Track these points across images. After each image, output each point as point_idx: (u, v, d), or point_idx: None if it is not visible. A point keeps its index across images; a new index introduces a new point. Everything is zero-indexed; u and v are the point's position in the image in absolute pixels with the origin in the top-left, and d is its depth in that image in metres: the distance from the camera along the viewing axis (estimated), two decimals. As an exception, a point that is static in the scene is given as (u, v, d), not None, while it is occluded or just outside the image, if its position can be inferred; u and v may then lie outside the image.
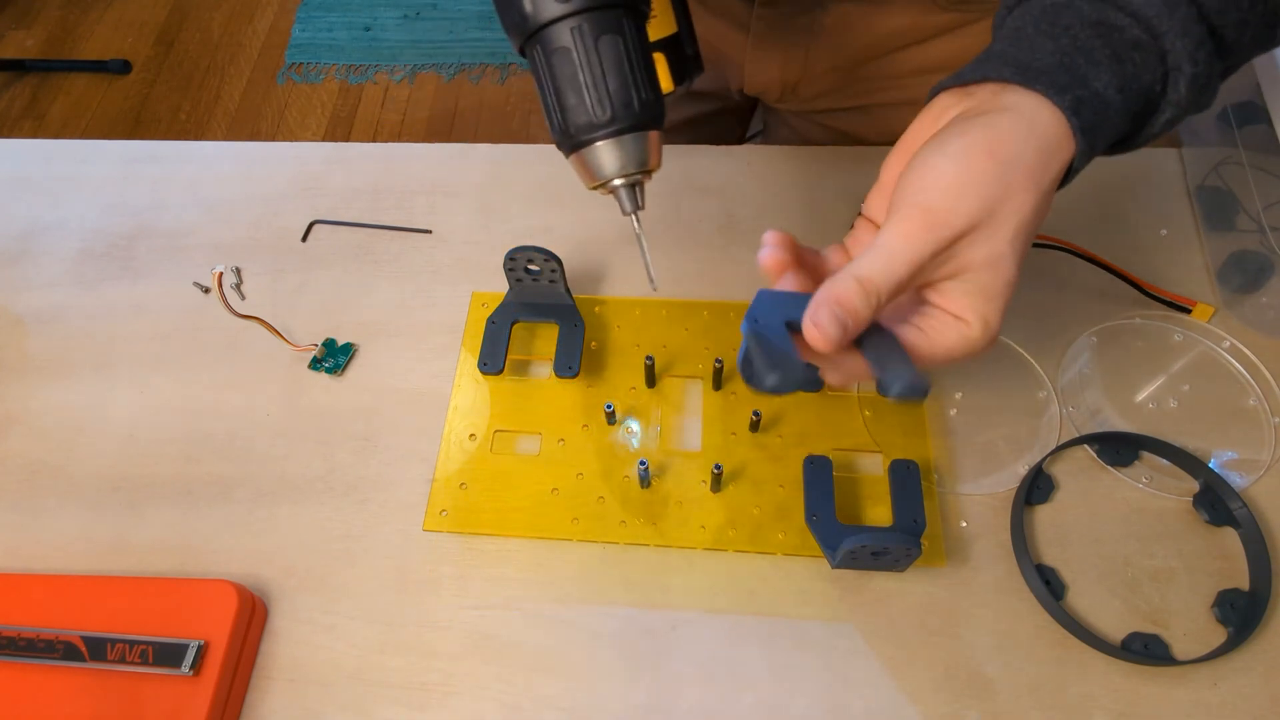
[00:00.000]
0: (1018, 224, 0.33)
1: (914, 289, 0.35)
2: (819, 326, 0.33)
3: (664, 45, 0.39)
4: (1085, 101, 0.33)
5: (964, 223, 0.33)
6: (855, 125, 0.69)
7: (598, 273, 0.58)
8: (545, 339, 0.55)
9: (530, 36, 0.33)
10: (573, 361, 0.53)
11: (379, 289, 0.59)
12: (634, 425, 0.51)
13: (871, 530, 0.46)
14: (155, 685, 0.43)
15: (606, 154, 0.34)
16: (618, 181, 0.35)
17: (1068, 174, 0.35)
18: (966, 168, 0.33)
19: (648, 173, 0.35)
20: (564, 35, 0.33)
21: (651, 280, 0.37)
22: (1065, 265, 0.54)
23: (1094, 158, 0.35)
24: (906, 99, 0.35)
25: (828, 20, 0.60)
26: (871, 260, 0.33)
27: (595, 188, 0.36)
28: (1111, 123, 0.34)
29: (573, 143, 0.35)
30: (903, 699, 0.43)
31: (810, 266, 0.37)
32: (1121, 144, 0.38)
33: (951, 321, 0.34)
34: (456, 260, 0.60)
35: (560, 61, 0.33)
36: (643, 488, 0.49)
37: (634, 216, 0.36)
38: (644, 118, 0.34)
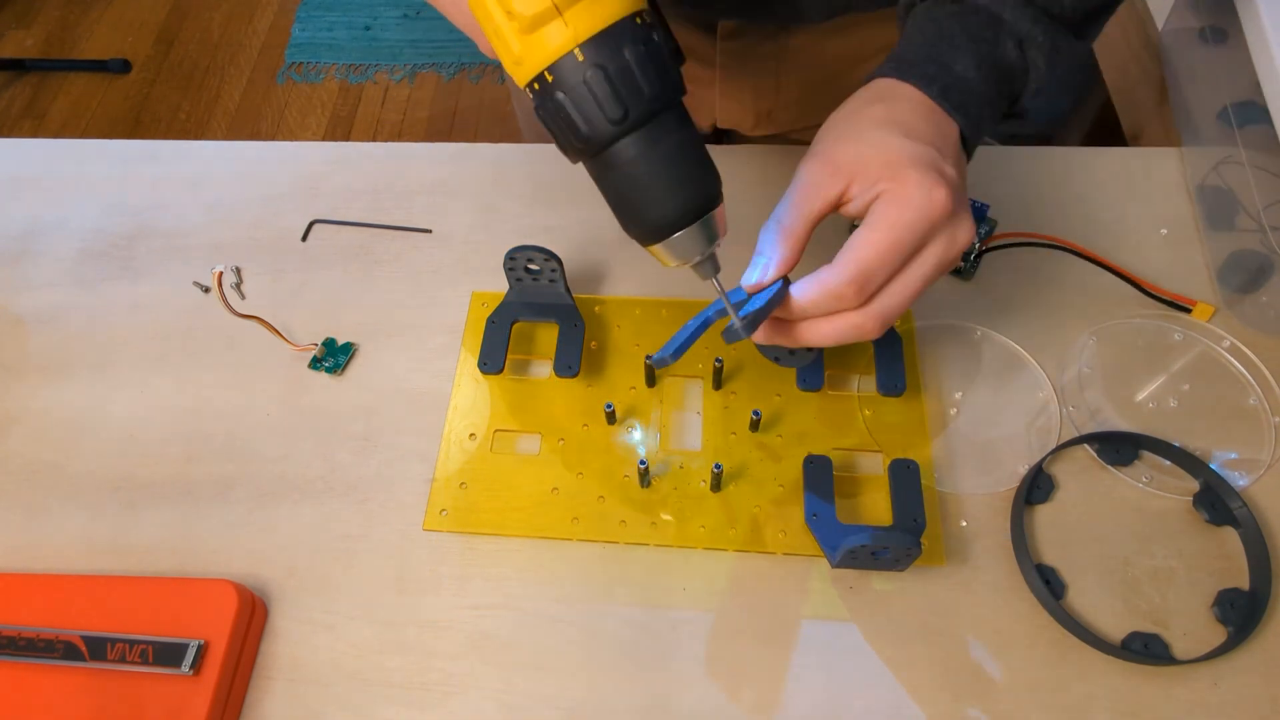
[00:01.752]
0: (873, 119, 0.39)
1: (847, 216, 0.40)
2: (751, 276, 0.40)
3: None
4: (951, 86, 0.40)
5: (829, 138, 0.40)
6: None
7: (598, 272, 0.58)
8: (545, 338, 0.55)
9: (592, 157, 0.35)
10: (573, 361, 0.53)
11: (379, 289, 0.59)
12: (636, 433, 0.51)
13: (871, 530, 0.46)
14: (155, 685, 0.43)
15: (686, 242, 0.36)
16: (698, 259, 0.37)
17: (967, 145, 0.41)
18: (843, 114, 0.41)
19: (719, 241, 0.38)
20: (625, 151, 0.34)
21: (738, 326, 0.39)
22: (1065, 265, 0.54)
23: (985, 127, 0.42)
24: None
25: (793, 44, 0.61)
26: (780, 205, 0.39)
27: (674, 267, 0.38)
28: (978, 96, 0.41)
29: (650, 239, 0.37)
30: (903, 698, 0.43)
31: None
32: (1011, 106, 0.44)
33: (876, 203, 0.38)
34: (456, 260, 0.60)
35: (625, 175, 0.35)
36: (643, 487, 0.49)
37: (715, 280, 0.39)
38: (712, 200, 0.36)
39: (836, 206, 0.39)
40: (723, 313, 0.41)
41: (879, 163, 0.38)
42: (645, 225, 0.36)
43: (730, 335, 0.39)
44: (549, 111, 0.34)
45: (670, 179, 0.35)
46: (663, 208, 0.35)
